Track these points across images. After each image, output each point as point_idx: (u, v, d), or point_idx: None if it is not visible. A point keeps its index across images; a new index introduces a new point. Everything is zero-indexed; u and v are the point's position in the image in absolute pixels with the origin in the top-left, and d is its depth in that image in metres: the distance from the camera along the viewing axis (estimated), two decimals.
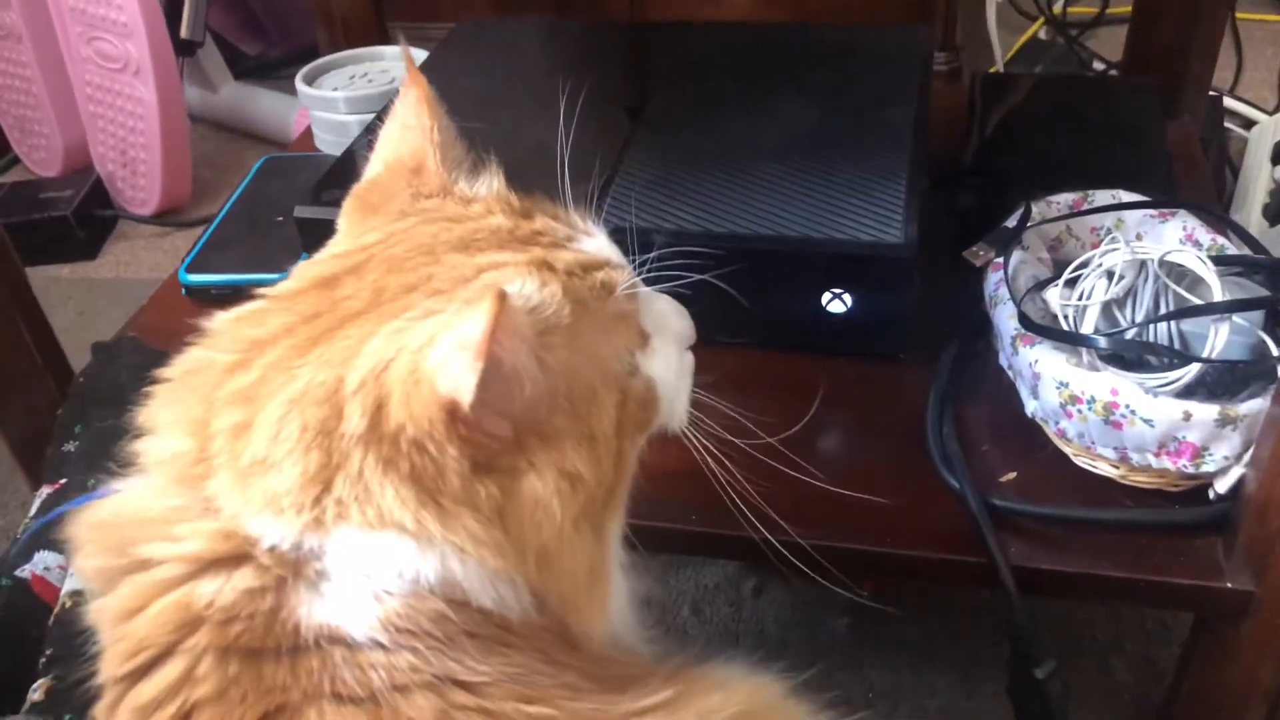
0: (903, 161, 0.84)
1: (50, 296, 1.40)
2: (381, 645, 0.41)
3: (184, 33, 1.54)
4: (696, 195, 0.82)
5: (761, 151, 0.87)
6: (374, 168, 0.56)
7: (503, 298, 0.38)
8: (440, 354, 0.39)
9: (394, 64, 1.21)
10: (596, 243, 0.52)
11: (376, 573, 0.42)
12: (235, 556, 0.42)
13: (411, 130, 0.55)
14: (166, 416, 0.45)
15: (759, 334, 0.82)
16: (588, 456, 0.46)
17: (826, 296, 0.79)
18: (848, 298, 0.78)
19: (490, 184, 0.55)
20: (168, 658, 0.41)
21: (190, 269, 0.99)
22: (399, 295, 0.45)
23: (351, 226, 0.53)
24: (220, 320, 0.48)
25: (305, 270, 0.50)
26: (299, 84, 1.16)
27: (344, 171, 0.96)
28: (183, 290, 0.99)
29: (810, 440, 0.76)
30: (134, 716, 0.41)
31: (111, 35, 1.45)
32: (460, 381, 0.38)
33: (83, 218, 1.54)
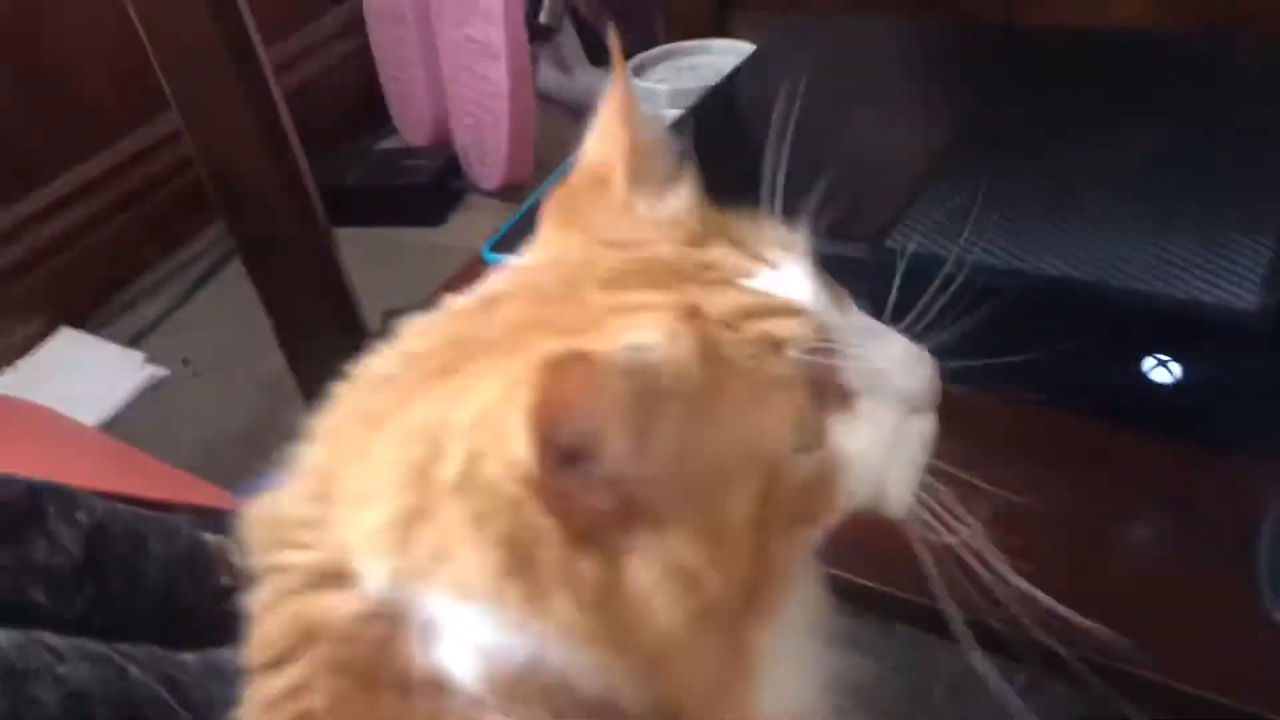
0: (1276, 212, 0.69)
1: (395, 256, 1.49)
2: (493, 703, 0.38)
3: (542, 18, 1.58)
4: (1008, 226, 0.72)
5: (1097, 183, 0.75)
6: (575, 172, 0.51)
7: (557, 367, 0.33)
8: (511, 416, 0.34)
9: (724, 58, 1.17)
10: (779, 279, 0.43)
11: (471, 636, 0.38)
12: (343, 577, 0.40)
13: (605, 140, 0.49)
14: (323, 422, 0.43)
15: (1057, 392, 0.71)
16: (708, 552, 0.38)
17: (1149, 362, 0.66)
18: (1176, 367, 0.65)
19: (676, 203, 0.47)
20: (290, 661, 0.41)
21: (495, 248, 1.01)
22: (528, 332, 0.41)
23: (544, 234, 0.49)
24: (410, 323, 0.46)
25: (494, 278, 0.47)
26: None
27: None
28: (485, 267, 1.02)
29: (1101, 529, 0.65)
30: (259, 709, 0.41)
31: (477, 19, 1.52)
32: (520, 450, 0.34)
33: (436, 187, 1.63)
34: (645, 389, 0.36)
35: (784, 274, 0.44)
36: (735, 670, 0.41)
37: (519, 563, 0.36)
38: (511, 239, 1.02)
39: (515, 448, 0.34)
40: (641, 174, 0.48)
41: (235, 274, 1.44)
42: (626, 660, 0.38)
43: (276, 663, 0.41)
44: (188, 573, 0.72)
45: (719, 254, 0.44)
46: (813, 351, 0.41)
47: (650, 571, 0.37)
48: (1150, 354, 0.66)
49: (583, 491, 0.36)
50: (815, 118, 0.98)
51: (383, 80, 1.82)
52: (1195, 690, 0.57)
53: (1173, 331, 0.65)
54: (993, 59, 1.00)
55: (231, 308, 1.45)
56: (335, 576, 0.40)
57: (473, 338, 0.41)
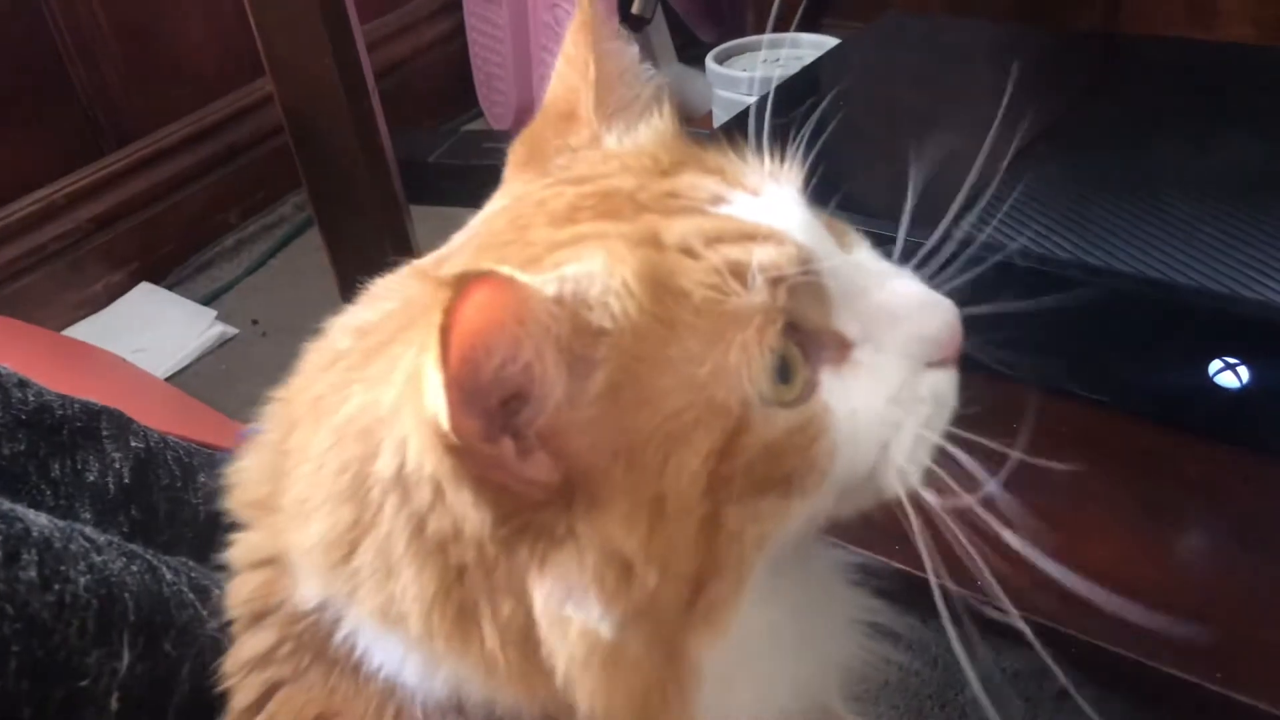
0: None
1: None
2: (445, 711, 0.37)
3: (635, 8, 1.58)
4: (1079, 221, 0.70)
5: (1178, 186, 0.72)
6: (542, 110, 0.45)
7: (465, 285, 0.28)
8: (425, 362, 0.30)
9: (811, 52, 1.16)
10: (759, 204, 0.37)
11: (396, 667, 0.36)
12: (291, 573, 0.38)
13: (571, 72, 0.44)
14: (287, 390, 0.40)
15: (1119, 393, 0.68)
16: (644, 532, 0.33)
17: (1216, 365, 0.63)
18: (1244, 372, 0.63)
19: (647, 133, 0.42)
20: (259, 625, 0.40)
21: None
22: None
23: (507, 178, 0.44)
24: (373, 285, 0.41)
25: (454, 237, 0.42)
26: (709, 61, 1.15)
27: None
28: None
29: (1160, 536, 0.63)
30: (240, 666, 0.41)
31: (566, 3, 1.53)
32: (433, 397, 0.29)
33: None
34: (579, 323, 0.32)
35: (765, 200, 0.37)
36: (669, 685, 0.35)
37: (450, 579, 0.33)
38: None
39: (429, 399, 0.29)
40: (611, 104, 0.43)
41: (312, 242, 1.47)
42: (545, 691, 0.34)
43: (250, 622, 0.40)
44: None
45: (688, 181, 0.38)
46: (793, 283, 0.35)
47: (585, 560, 0.33)
48: (1218, 357, 0.63)
49: (514, 458, 0.32)
50: (891, 110, 0.96)
51: (473, 63, 1.84)
52: (1251, 700, 0.54)
53: (1242, 334, 0.62)
54: (1085, 65, 0.98)
55: (306, 274, 1.48)
56: (281, 566, 0.39)
57: (416, 301, 0.37)
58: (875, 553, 0.47)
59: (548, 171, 0.42)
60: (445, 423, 0.29)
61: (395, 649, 0.36)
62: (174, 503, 0.70)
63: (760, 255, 0.35)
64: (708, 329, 0.34)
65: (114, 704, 0.45)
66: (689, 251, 0.35)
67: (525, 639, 0.34)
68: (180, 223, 1.54)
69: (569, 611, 0.33)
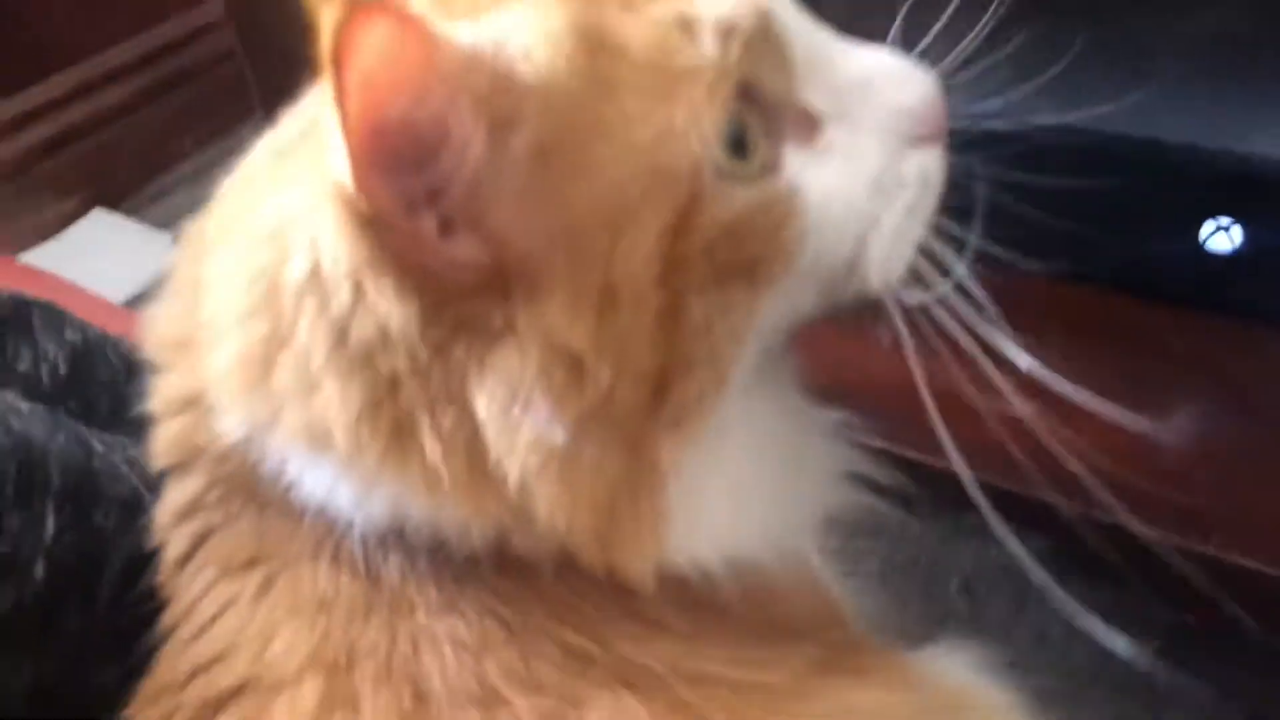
0: None
1: None
2: (385, 540, 0.34)
3: None
4: (1060, 84, 0.67)
5: (1160, 43, 0.69)
6: None
7: (364, 9, 0.24)
8: (330, 127, 0.26)
9: None
10: None
11: (329, 494, 0.33)
12: (212, 409, 0.35)
13: None
14: (197, 225, 0.38)
15: (1106, 268, 0.66)
16: (593, 324, 0.30)
17: (1208, 227, 0.61)
18: (1237, 233, 0.60)
19: None
20: (185, 472, 0.37)
21: None
22: None
23: None
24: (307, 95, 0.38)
25: None
26: None
27: None
28: None
29: (1154, 413, 0.60)
30: (169, 516, 0.38)
31: None
32: (336, 150, 0.26)
33: None
34: (498, 75, 0.28)
35: None
36: (636, 490, 0.32)
37: (381, 390, 0.30)
38: None
39: (333, 157, 0.26)
40: None
41: None
42: (495, 505, 0.31)
43: (176, 471, 0.38)
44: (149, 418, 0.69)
45: None
46: (749, 40, 0.31)
47: (527, 357, 0.30)
48: (1209, 218, 0.60)
49: (435, 236, 0.29)
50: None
51: None
52: (1246, 561, 0.53)
53: (1237, 192, 0.59)
54: None
55: None
56: (202, 405, 0.35)
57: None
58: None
59: None
60: (352, 181, 0.26)
61: (325, 473, 0.33)
62: (115, 397, 0.67)
63: (710, 5, 0.31)
64: (650, 87, 0.30)
65: (39, 572, 0.42)
66: (628, 4, 0.31)
67: (471, 449, 0.31)
68: (133, 148, 1.49)
69: (516, 415, 0.30)
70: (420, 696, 0.32)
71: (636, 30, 0.30)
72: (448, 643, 0.32)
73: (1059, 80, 0.66)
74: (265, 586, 0.35)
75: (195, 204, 1.34)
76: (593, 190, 0.30)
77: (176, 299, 0.38)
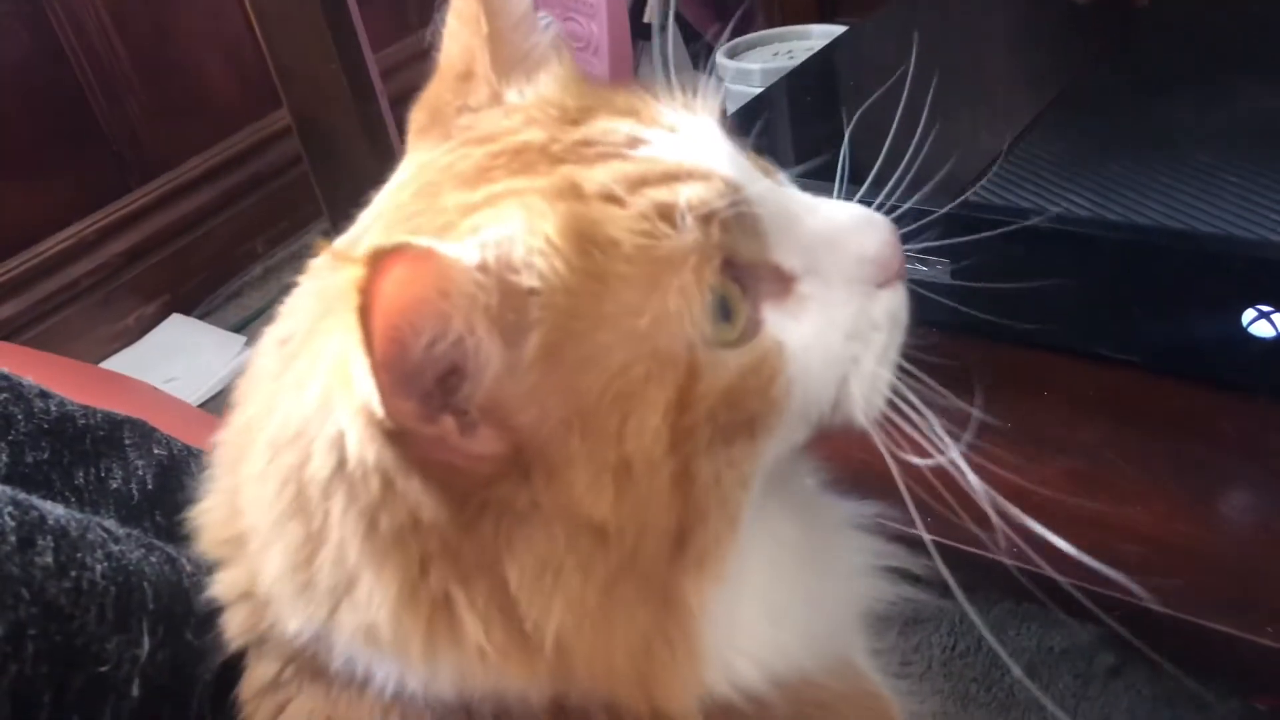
0: None
1: None
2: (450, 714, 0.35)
3: (646, 17, 1.59)
4: (1096, 179, 0.68)
5: (1194, 138, 0.70)
6: (435, 74, 0.43)
7: (380, 261, 0.26)
8: (347, 348, 0.28)
9: (821, 43, 1.15)
10: (678, 142, 0.35)
11: (394, 684, 0.35)
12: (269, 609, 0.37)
13: (463, 29, 0.41)
14: (225, 430, 0.39)
15: (1149, 352, 0.67)
16: (613, 497, 0.32)
17: (1249, 315, 0.62)
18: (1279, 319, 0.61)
19: (549, 83, 0.40)
20: (262, 653, 0.39)
21: None
22: None
23: (408, 150, 0.43)
24: (298, 288, 0.40)
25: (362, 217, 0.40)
26: (719, 57, 1.16)
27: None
28: None
29: (1204, 493, 0.61)
30: (253, 695, 0.40)
31: (581, 15, 1.54)
32: (362, 383, 0.28)
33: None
34: (506, 287, 0.30)
35: (685, 137, 0.36)
36: (667, 634, 0.34)
37: (414, 573, 0.32)
38: None
39: (359, 386, 0.28)
40: (508, 58, 0.41)
41: None
42: (541, 665, 0.33)
43: (254, 651, 0.39)
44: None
45: (601, 127, 0.36)
46: (725, 218, 0.34)
47: (554, 533, 0.32)
48: (1251, 306, 0.61)
49: (457, 435, 0.30)
50: (904, 91, 0.96)
51: None
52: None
53: (1276, 280, 0.60)
54: (1099, 31, 0.96)
55: None
56: (262, 600, 0.37)
57: (331, 288, 0.34)
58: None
59: (450, 135, 0.40)
60: (379, 408, 0.28)
61: (388, 664, 0.35)
62: None
63: (687, 193, 0.33)
64: (642, 277, 0.32)
65: (135, 690, 0.45)
66: (612, 199, 0.33)
67: (508, 617, 0.32)
68: (208, 254, 1.56)
69: (547, 583, 0.32)
70: None
71: (623, 223, 0.33)
72: None
73: (1101, 179, 0.68)
74: None
75: (265, 305, 1.40)
76: (600, 377, 0.32)
77: (220, 502, 0.39)
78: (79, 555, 0.45)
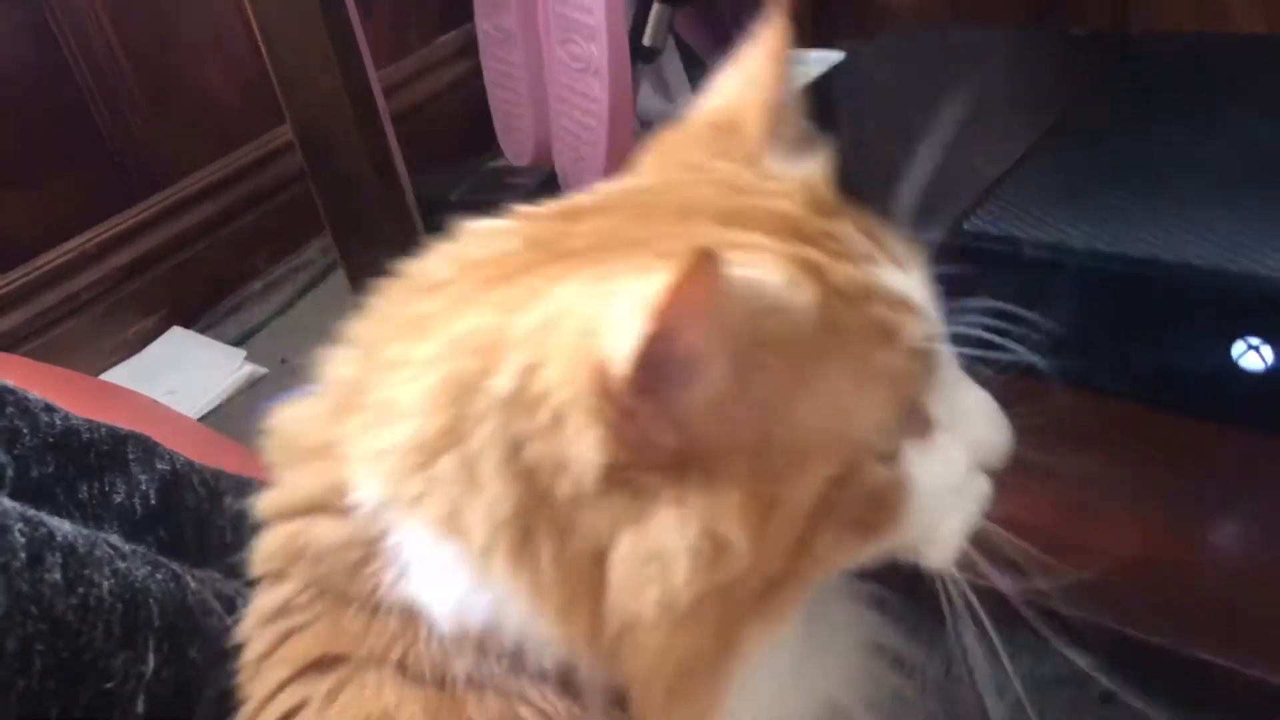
0: None
1: None
2: (461, 643, 0.37)
3: (646, 40, 1.60)
4: (1089, 210, 0.70)
5: (1190, 173, 0.72)
6: (693, 114, 0.48)
7: (707, 258, 0.30)
8: (615, 309, 0.32)
9: (815, 68, 1.17)
10: (904, 280, 0.40)
11: (438, 582, 0.37)
12: (333, 505, 0.39)
13: (747, 86, 0.45)
14: (360, 327, 0.42)
15: (1140, 383, 0.68)
16: (753, 526, 0.35)
17: (1240, 348, 0.63)
18: (1269, 352, 0.62)
19: (806, 169, 0.43)
20: (280, 579, 0.41)
21: None
22: (623, 247, 0.38)
23: (645, 165, 0.46)
24: (465, 229, 0.43)
25: (576, 197, 0.44)
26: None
27: None
28: None
29: (1200, 525, 0.62)
30: (256, 620, 0.41)
31: (580, 37, 1.55)
32: (620, 342, 0.31)
33: (532, 203, 1.66)
34: (759, 327, 0.34)
35: (910, 276, 0.40)
36: (713, 665, 0.37)
37: (531, 504, 0.34)
38: None
39: (611, 343, 0.31)
40: (778, 131, 0.44)
41: (338, 283, 1.49)
42: (588, 633, 0.35)
43: (272, 578, 0.41)
44: (257, 530, 0.73)
45: (846, 229, 0.40)
46: (918, 358, 0.38)
47: (686, 529, 0.34)
48: (1241, 339, 0.62)
49: (652, 418, 0.33)
50: (900, 118, 0.97)
51: (491, 104, 1.86)
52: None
53: (1266, 313, 0.62)
54: (1093, 64, 0.98)
55: (331, 313, 1.48)
56: (328, 507, 0.39)
57: (546, 245, 0.39)
58: None
59: (700, 170, 0.43)
60: (623, 369, 0.31)
61: (440, 562, 0.36)
62: (200, 524, 0.71)
63: (911, 325, 0.38)
64: (854, 373, 0.37)
65: (140, 707, 0.46)
66: (846, 297, 0.37)
67: (591, 581, 0.35)
68: (209, 268, 1.56)
69: (650, 572, 0.34)
70: None
71: (852, 321, 0.37)
72: None
73: (1092, 211, 0.69)
74: (333, 694, 0.38)
75: (266, 319, 1.40)
76: (791, 431, 0.36)
77: (326, 400, 0.41)
78: (87, 572, 0.46)
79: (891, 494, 0.39)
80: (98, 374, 1.41)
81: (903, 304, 0.38)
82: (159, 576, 0.51)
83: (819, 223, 0.40)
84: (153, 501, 0.68)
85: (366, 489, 0.37)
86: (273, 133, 1.60)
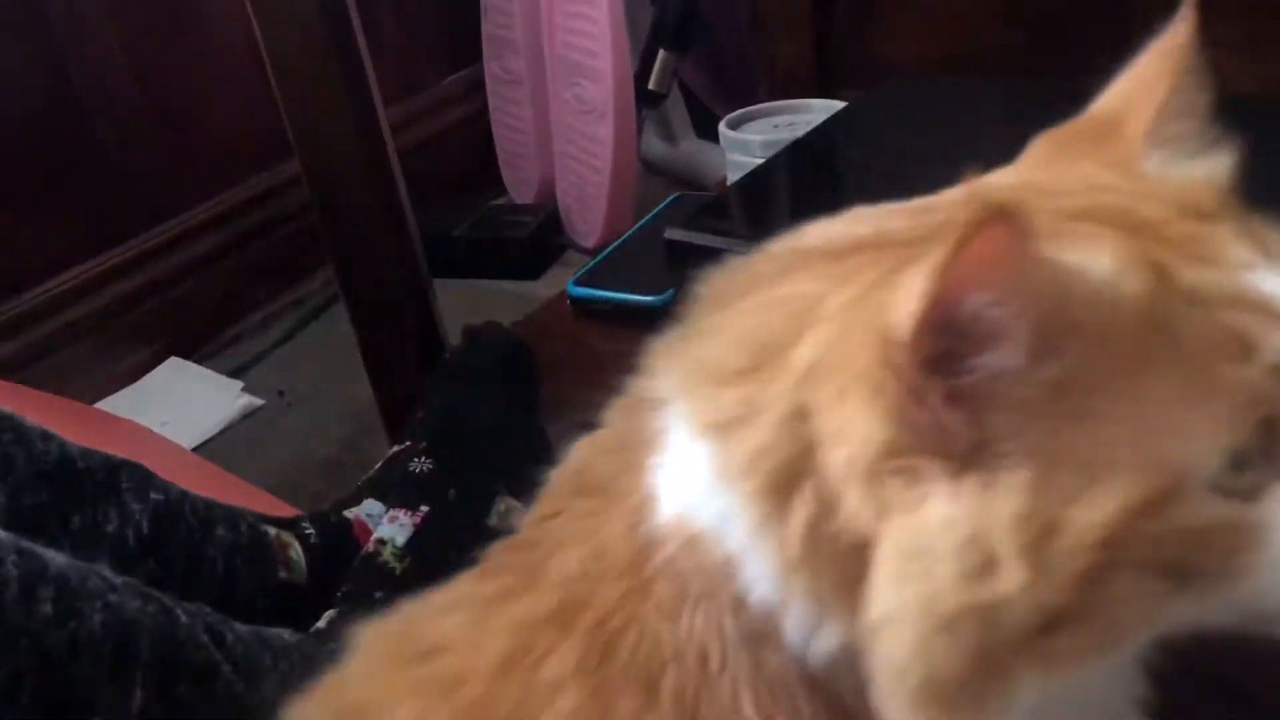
0: None
1: (490, 305, 1.51)
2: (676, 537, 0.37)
3: (651, 84, 1.62)
4: None
5: None
6: (1084, 115, 0.45)
7: (1001, 215, 0.28)
8: (911, 278, 0.30)
9: (820, 116, 1.18)
10: None
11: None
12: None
13: (1140, 86, 0.42)
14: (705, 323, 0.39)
15: None
16: (1028, 547, 0.31)
17: None
18: None
19: (1194, 174, 0.40)
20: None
21: (577, 282, 1.04)
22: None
23: (1022, 164, 0.44)
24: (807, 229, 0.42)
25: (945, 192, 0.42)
26: (722, 128, 1.18)
27: (723, 205, 0.95)
28: (568, 301, 1.04)
29: None
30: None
31: (586, 80, 1.57)
32: (905, 306, 0.29)
33: (536, 243, 1.67)
34: (1064, 306, 0.31)
35: None
36: (967, 692, 0.32)
37: (803, 462, 0.33)
38: (594, 275, 1.05)
39: (899, 305, 0.29)
40: (1164, 134, 0.41)
41: (337, 316, 1.49)
42: (842, 619, 0.34)
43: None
44: (249, 561, 0.73)
45: (1222, 235, 0.36)
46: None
47: (949, 534, 0.31)
48: None
49: (935, 394, 0.31)
50: (896, 166, 0.98)
51: (496, 142, 1.88)
52: None
53: None
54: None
55: (329, 347, 1.49)
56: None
57: (892, 234, 0.38)
58: None
59: (1066, 170, 0.41)
60: (904, 335, 0.29)
61: (696, 460, 0.36)
62: (192, 554, 0.71)
63: (1276, 337, 0.33)
64: (1182, 382, 0.32)
65: None
66: (1196, 300, 0.33)
67: (845, 566, 0.33)
68: (209, 299, 1.57)
69: (911, 569, 0.32)
70: None
71: (1194, 326, 0.32)
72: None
73: None
74: (583, 518, 0.39)
75: (264, 351, 1.40)
76: (1086, 437, 0.32)
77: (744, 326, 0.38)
78: (78, 605, 0.46)
79: (1224, 539, 0.32)
80: (94, 402, 1.41)
81: (1276, 313, 0.33)
82: (150, 609, 0.51)
83: (1187, 226, 0.36)
84: (145, 531, 0.68)
85: (663, 385, 0.39)
86: (277, 168, 1.62)
